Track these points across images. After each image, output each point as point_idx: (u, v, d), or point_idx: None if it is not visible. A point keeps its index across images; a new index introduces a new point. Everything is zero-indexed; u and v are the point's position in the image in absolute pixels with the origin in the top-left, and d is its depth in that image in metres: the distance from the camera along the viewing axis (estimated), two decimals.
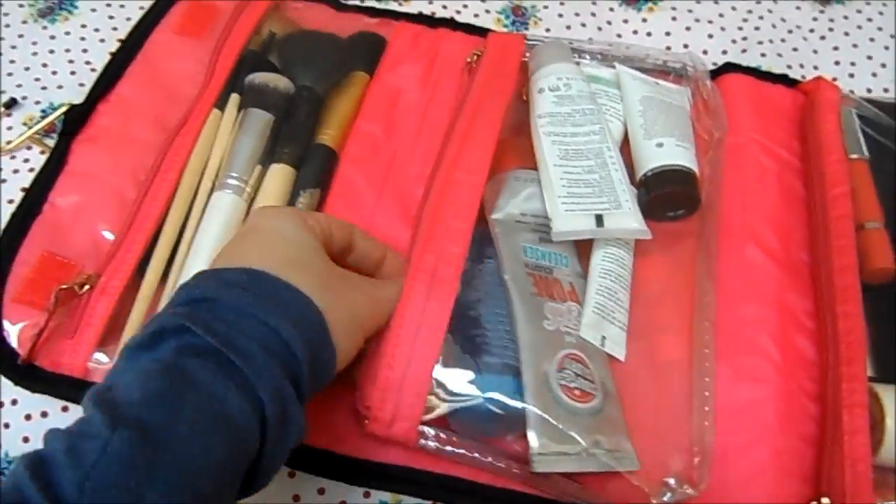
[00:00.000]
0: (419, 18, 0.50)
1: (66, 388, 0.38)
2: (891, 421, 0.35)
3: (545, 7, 0.54)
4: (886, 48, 0.52)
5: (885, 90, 0.50)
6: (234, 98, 0.45)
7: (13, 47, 0.51)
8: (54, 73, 0.50)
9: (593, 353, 0.38)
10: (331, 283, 0.32)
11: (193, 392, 0.26)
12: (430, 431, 0.35)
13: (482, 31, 0.49)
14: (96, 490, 0.23)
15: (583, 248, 0.41)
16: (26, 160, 0.46)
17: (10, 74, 0.50)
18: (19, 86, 0.49)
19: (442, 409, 0.35)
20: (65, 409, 0.39)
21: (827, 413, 0.37)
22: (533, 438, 0.35)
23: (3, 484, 0.24)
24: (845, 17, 0.53)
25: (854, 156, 0.44)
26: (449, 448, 0.35)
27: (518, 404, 0.35)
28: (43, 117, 0.47)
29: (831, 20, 0.53)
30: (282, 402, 0.28)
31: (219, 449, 0.26)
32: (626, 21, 0.54)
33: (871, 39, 0.52)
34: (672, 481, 0.36)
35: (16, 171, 0.46)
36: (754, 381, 0.38)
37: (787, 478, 0.36)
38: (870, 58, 0.52)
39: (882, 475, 0.35)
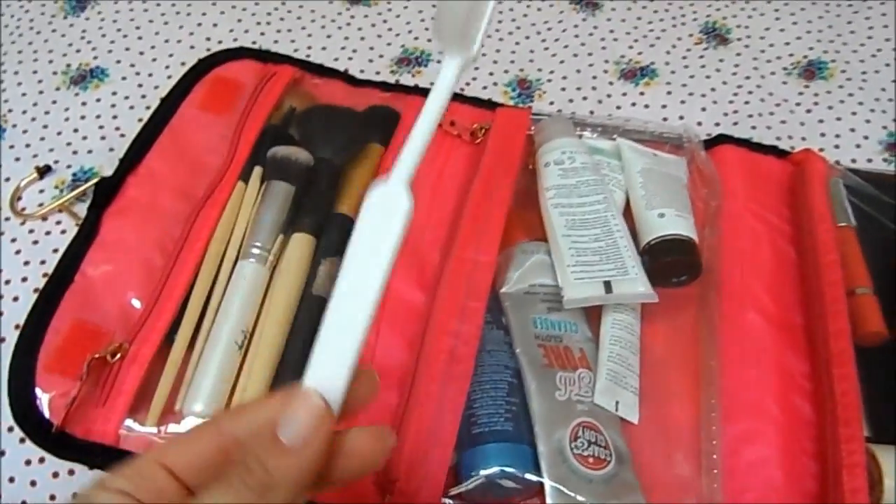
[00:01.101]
0: (430, 92, 0.53)
1: (98, 455, 0.39)
2: (889, 481, 0.37)
3: (549, 80, 0.58)
4: (868, 121, 0.55)
5: (869, 160, 0.53)
6: (258, 171, 0.47)
7: (46, 113, 0.53)
8: (85, 138, 0.52)
9: (606, 418, 0.39)
10: None
11: None
12: (451, 503, 0.37)
13: (490, 104, 0.52)
14: None
15: (592, 313, 0.43)
16: (58, 222, 0.48)
17: (42, 139, 0.52)
18: (51, 150, 0.52)
19: (466, 485, 0.36)
20: (91, 467, 0.40)
21: (827, 471, 0.38)
22: None
23: None
24: (828, 92, 0.57)
25: (842, 224, 0.46)
26: None
27: (534, 477, 0.37)
28: (74, 182, 0.50)
29: (816, 94, 0.57)
30: None
31: None
32: (624, 94, 0.57)
33: (853, 113, 0.56)
34: None
35: (48, 233, 0.48)
36: (759, 442, 0.40)
37: None
38: (853, 130, 0.55)
39: None
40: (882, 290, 0.44)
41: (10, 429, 0.42)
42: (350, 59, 0.58)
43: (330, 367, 0.23)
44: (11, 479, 0.40)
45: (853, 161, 0.53)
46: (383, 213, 0.23)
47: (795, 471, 0.39)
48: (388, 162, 0.49)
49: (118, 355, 0.40)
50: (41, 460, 0.40)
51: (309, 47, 0.59)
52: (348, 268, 0.24)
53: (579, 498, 0.36)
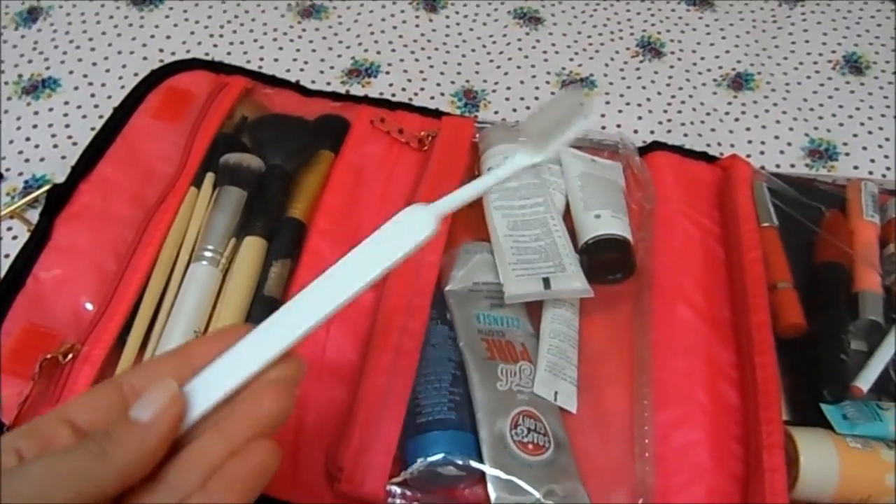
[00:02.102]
0: (379, 102, 0.55)
1: None
2: (804, 459, 0.39)
3: (494, 91, 0.60)
4: (791, 129, 0.59)
5: (792, 166, 0.57)
6: (210, 177, 0.49)
7: None
8: (37, 146, 0.53)
9: (546, 407, 0.42)
10: None
11: None
12: (396, 490, 0.38)
13: (437, 114, 0.54)
14: None
15: (533, 309, 0.45)
16: (9, 228, 0.49)
17: None
18: (3, 158, 0.52)
19: (411, 469, 0.38)
20: None
21: (750, 453, 0.41)
22: (492, 492, 0.38)
23: None
24: (755, 102, 0.61)
25: (765, 224, 0.49)
26: None
27: (476, 463, 0.38)
28: (26, 189, 0.50)
29: (743, 104, 0.60)
30: None
31: None
32: None
33: (778, 122, 0.59)
34: None
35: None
36: (688, 427, 0.42)
37: None
38: (777, 137, 0.59)
39: None
40: (802, 285, 0.47)
41: None
42: (302, 70, 0.60)
43: (243, 359, 0.26)
44: None
45: (777, 166, 0.57)
46: (409, 225, 0.27)
47: (722, 454, 0.42)
48: (338, 167, 0.50)
49: (70, 356, 0.41)
50: None
51: (261, 59, 0.60)
52: (350, 256, 0.26)
53: (519, 482, 0.38)
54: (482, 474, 0.39)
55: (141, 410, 0.25)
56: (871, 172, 0.57)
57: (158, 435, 0.25)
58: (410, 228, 0.27)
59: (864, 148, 0.58)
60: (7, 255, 0.47)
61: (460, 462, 0.38)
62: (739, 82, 0.62)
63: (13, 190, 0.51)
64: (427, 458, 0.38)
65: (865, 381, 0.43)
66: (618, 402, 0.44)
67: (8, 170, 0.51)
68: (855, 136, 0.59)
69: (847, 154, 0.58)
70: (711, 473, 0.41)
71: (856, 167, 0.57)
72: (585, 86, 0.61)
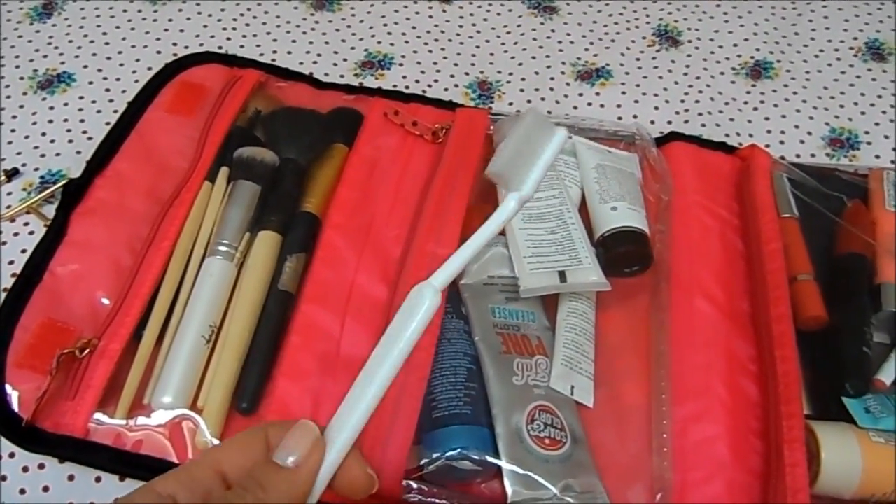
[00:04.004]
0: (393, 94, 0.55)
1: (67, 448, 0.40)
2: (826, 454, 0.39)
3: (508, 82, 0.59)
4: (811, 118, 0.58)
5: (812, 155, 0.56)
6: (224, 171, 0.49)
7: (14, 117, 0.54)
8: (53, 141, 0.53)
9: (562, 402, 0.41)
10: None
11: None
12: (413, 485, 0.38)
13: (451, 105, 0.54)
14: None
15: (549, 302, 0.45)
16: (26, 224, 0.49)
17: (10, 143, 0.53)
18: (19, 153, 0.52)
19: (427, 466, 0.38)
20: (61, 461, 0.41)
21: (770, 449, 0.40)
22: (508, 487, 0.38)
23: None
24: (774, 91, 0.59)
25: (785, 215, 0.48)
26: (431, 500, 0.38)
27: (492, 458, 0.38)
28: (42, 184, 0.50)
29: (762, 93, 0.59)
30: None
31: None
32: (580, 95, 0.59)
33: (798, 111, 0.58)
34: None
35: (16, 234, 0.48)
36: (707, 421, 0.42)
37: None
38: (797, 126, 0.58)
39: None
40: (823, 277, 0.46)
41: None
42: (315, 62, 0.60)
43: (343, 420, 0.29)
44: None
45: (797, 156, 0.56)
46: (412, 305, 0.29)
47: (742, 448, 0.41)
48: (352, 160, 0.50)
49: (87, 350, 0.41)
50: (11, 455, 0.41)
51: (274, 52, 0.60)
52: (382, 341, 0.30)
53: (535, 477, 0.38)
54: (498, 469, 0.38)
55: (286, 454, 0.27)
56: (893, 161, 0.56)
57: (306, 478, 0.27)
58: (420, 307, 0.29)
59: (887, 136, 0.57)
60: (24, 251, 0.47)
61: (476, 457, 0.38)
62: (758, 71, 0.61)
63: (29, 185, 0.51)
64: (443, 453, 0.38)
65: (888, 374, 0.43)
66: (635, 397, 0.43)
67: (24, 165, 0.52)
68: (877, 124, 0.58)
69: (869, 143, 0.57)
70: (731, 468, 0.40)
71: (878, 156, 0.56)
72: (601, 76, 0.60)
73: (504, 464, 0.38)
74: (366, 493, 0.29)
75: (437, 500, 0.38)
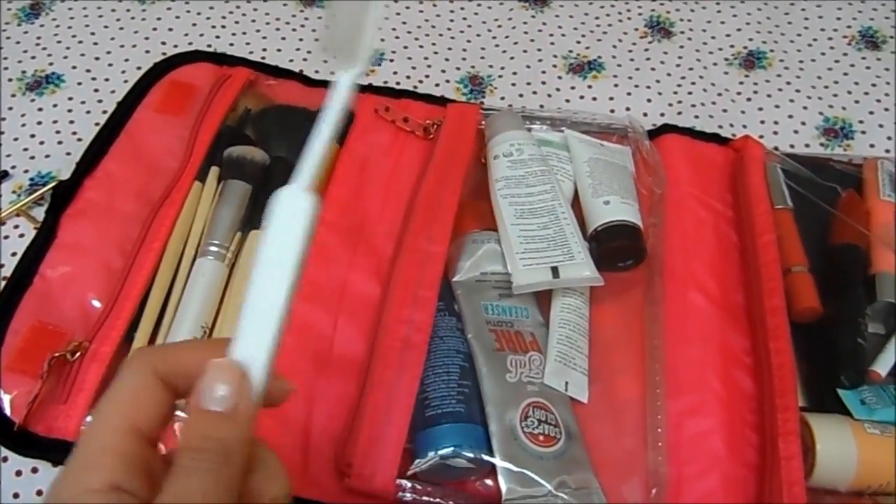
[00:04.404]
0: (383, 90, 0.54)
1: (60, 451, 0.39)
2: (821, 446, 0.39)
3: (500, 76, 0.59)
4: (805, 108, 0.58)
5: (806, 146, 0.56)
6: (214, 170, 0.48)
7: (2, 119, 0.54)
8: (42, 143, 0.53)
9: (556, 398, 0.41)
10: None
11: None
12: (406, 484, 0.38)
13: (442, 101, 0.53)
14: None
15: (543, 298, 0.45)
16: (16, 226, 0.49)
17: None
18: (8, 156, 0.52)
19: (420, 465, 0.38)
20: (54, 464, 0.41)
21: (766, 441, 0.40)
22: (503, 484, 0.38)
23: None
24: (767, 81, 0.59)
25: (779, 206, 0.48)
26: (426, 498, 0.38)
27: (486, 456, 0.38)
28: (31, 187, 0.50)
29: (755, 84, 0.59)
30: None
31: None
32: (573, 88, 0.59)
33: (791, 100, 0.58)
34: None
35: (6, 237, 0.48)
36: (702, 415, 0.42)
37: (735, 502, 0.39)
38: (791, 116, 0.57)
39: (815, 496, 0.38)
40: (818, 268, 0.46)
41: None
42: (305, 59, 0.59)
43: (251, 350, 0.25)
44: None
45: (791, 146, 0.56)
46: (289, 213, 0.26)
47: (737, 442, 0.41)
48: (343, 158, 0.50)
49: (78, 353, 0.41)
50: (4, 459, 0.41)
51: (264, 49, 0.60)
52: (261, 266, 0.25)
53: (530, 474, 0.38)
54: (493, 467, 0.38)
55: (217, 398, 0.23)
56: (888, 150, 0.56)
57: (247, 415, 0.24)
58: (291, 220, 0.26)
59: (881, 125, 0.57)
60: (14, 254, 0.47)
61: (471, 455, 0.38)
62: (751, 61, 0.61)
63: (19, 188, 0.51)
64: (437, 451, 0.38)
65: (884, 365, 0.43)
66: (630, 391, 0.43)
67: (13, 167, 0.51)
68: (871, 113, 0.58)
69: (863, 132, 0.57)
70: (726, 462, 0.40)
71: (872, 145, 0.56)
72: (594, 68, 0.60)
73: (498, 461, 0.38)
74: (281, 403, 0.27)
75: (431, 499, 0.38)
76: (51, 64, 0.58)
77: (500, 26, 0.62)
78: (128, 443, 0.23)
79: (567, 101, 0.58)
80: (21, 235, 0.48)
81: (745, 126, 0.57)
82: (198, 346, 0.29)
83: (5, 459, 0.41)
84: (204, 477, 0.23)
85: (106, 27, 0.61)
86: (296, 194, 0.26)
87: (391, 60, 0.60)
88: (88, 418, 0.40)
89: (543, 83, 0.59)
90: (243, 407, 0.24)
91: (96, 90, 0.56)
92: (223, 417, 0.23)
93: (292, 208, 0.26)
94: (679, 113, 0.57)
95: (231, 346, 0.25)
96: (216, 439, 0.23)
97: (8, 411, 0.40)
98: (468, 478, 0.39)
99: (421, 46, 0.61)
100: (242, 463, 0.24)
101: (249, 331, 0.25)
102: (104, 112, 0.53)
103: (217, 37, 0.61)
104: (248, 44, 0.60)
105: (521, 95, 0.58)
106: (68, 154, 0.52)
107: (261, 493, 0.25)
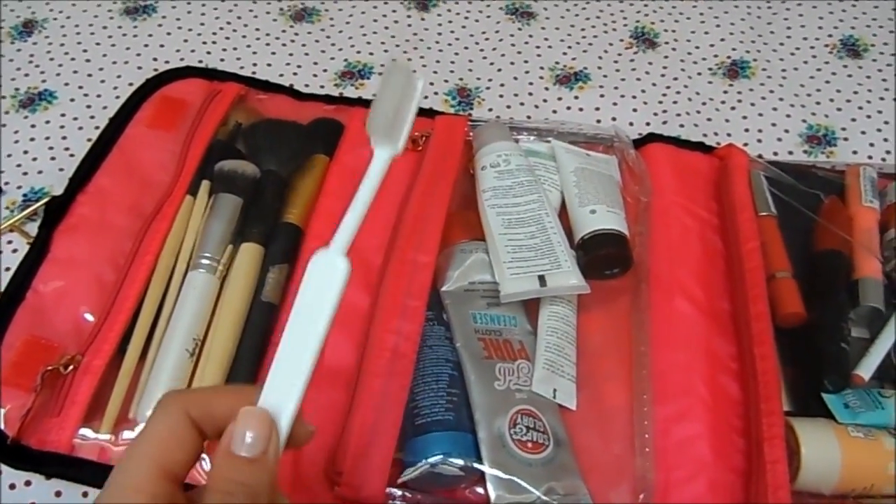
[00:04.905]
0: None
1: (53, 464, 0.40)
2: (806, 450, 0.39)
3: (487, 88, 0.60)
4: (788, 116, 0.58)
5: (790, 153, 0.56)
6: (205, 184, 0.49)
7: None
8: (35, 159, 0.54)
9: (544, 405, 0.42)
10: None
11: None
12: (396, 492, 0.38)
13: (430, 113, 0.54)
14: None
15: (530, 306, 0.45)
16: (9, 242, 0.49)
17: None
18: (2, 172, 0.53)
19: (410, 473, 0.38)
20: (48, 477, 0.42)
21: (751, 446, 0.41)
22: (491, 492, 0.38)
23: None
24: (751, 90, 0.60)
25: (763, 213, 0.49)
26: None
27: (475, 463, 0.38)
28: (24, 202, 0.51)
29: (739, 92, 0.60)
30: None
31: None
32: (560, 99, 0.59)
33: (774, 109, 0.59)
34: None
35: (0, 253, 0.49)
36: (689, 420, 0.42)
37: None
38: (774, 124, 0.58)
39: (800, 500, 0.39)
40: (802, 274, 0.46)
41: None
42: (295, 74, 0.60)
43: (279, 400, 0.27)
44: None
45: (775, 153, 0.56)
46: (325, 274, 0.28)
47: (724, 447, 0.42)
48: (333, 171, 0.50)
49: (71, 367, 0.41)
50: None
51: (254, 64, 0.61)
52: (296, 318, 0.28)
53: (519, 481, 0.38)
54: (482, 474, 0.39)
55: (246, 444, 0.25)
56: (870, 157, 0.57)
57: (274, 460, 0.25)
58: (326, 281, 0.28)
59: (863, 132, 0.58)
60: (7, 269, 0.48)
61: (460, 462, 0.38)
62: (735, 70, 0.62)
63: (12, 203, 0.51)
64: (426, 459, 0.38)
65: (867, 368, 0.43)
66: (617, 398, 0.44)
67: (7, 183, 0.52)
68: (853, 120, 0.58)
69: (846, 139, 0.57)
70: (713, 467, 0.41)
71: (855, 152, 0.57)
72: (580, 79, 0.61)
73: (487, 469, 0.38)
74: (304, 445, 0.28)
75: None
76: (43, 81, 0.59)
77: (487, 39, 0.63)
78: (159, 485, 0.25)
79: (554, 111, 0.59)
80: (14, 251, 0.49)
81: (729, 134, 0.58)
82: (228, 391, 0.30)
83: None
84: None
85: (98, 44, 0.61)
86: (333, 258, 0.28)
87: (380, 74, 0.60)
88: (111, 437, 0.40)
89: (530, 94, 0.59)
90: (271, 453, 0.25)
91: (88, 106, 0.57)
92: (251, 463, 0.25)
93: (329, 271, 0.28)
94: (664, 122, 0.58)
95: (261, 394, 0.26)
96: (244, 484, 0.25)
97: (1, 425, 0.40)
98: (458, 485, 0.40)
99: (409, 59, 0.61)
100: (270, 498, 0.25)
101: (279, 379, 0.27)
102: (96, 128, 0.54)
103: (208, 52, 0.61)
104: (238, 59, 0.61)
105: (508, 107, 0.59)
106: (61, 170, 0.53)
107: None
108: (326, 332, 0.27)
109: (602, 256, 0.46)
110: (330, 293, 0.27)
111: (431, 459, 0.38)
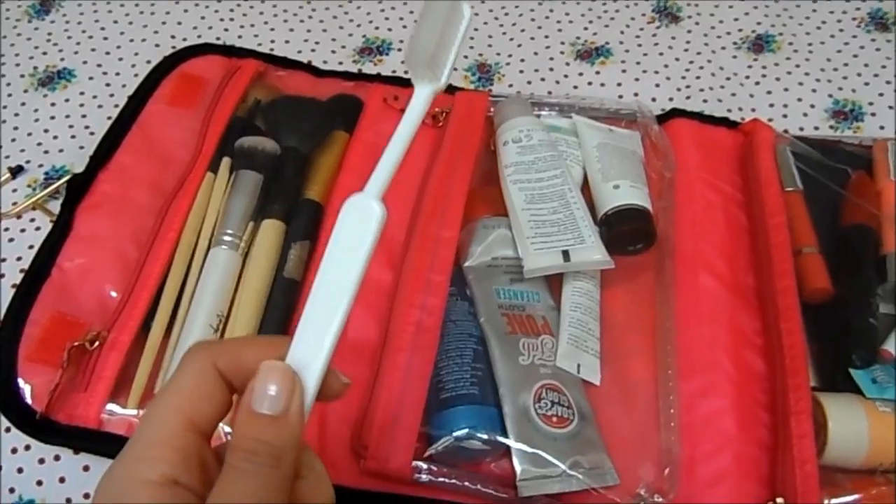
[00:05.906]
0: (392, 79, 0.55)
1: (81, 439, 0.40)
2: (833, 425, 0.39)
3: (508, 64, 0.59)
4: (814, 91, 0.57)
5: (816, 128, 0.55)
6: (226, 161, 0.49)
7: (16, 115, 0.55)
8: (55, 137, 0.54)
9: (569, 380, 0.41)
10: None
11: None
12: (422, 466, 0.38)
13: (450, 89, 0.53)
14: None
15: (554, 282, 0.45)
16: (32, 220, 0.50)
17: (13, 140, 0.53)
18: (22, 150, 0.53)
19: (436, 447, 0.38)
20: (76, 452, 0.42)
21: (777, 421, 0.41)
22: (517, 465, 0.38)
23: None
24: (776, 64, 0.59)
25: (789, 188, 0.48)
26: (441, 479, 0.38)
27: (500, 438, 0.38)
28: (46, 180, 0.51)
29: (764, 67, 0.59)
30: None
31: None
32: (581, 74, 0.59)
33: (800, 83, 0.58)
34: (644, 492, 0.39)
35: (23, 231, 0.49)
36: (714, 395, 0.42)
37: (747, 481, 0.40)
38: (800, 100, 0.57)
39: (828, 474, 0.38)
40: (829, 249, 0.46)
41: None
42: (313, 50, 0.60)
43: (308, 352, 0.25)
44: None
45: (801, 129, 0.55)
46: (360, 218, 0.26)
47: (749, 421, 0.41)
48: (353, 147, 0.50)
49: (97, 343, 0.42)
50: (27, 447, 0.42)
51: (272, 41, 0.60)
52: (328, 264, 0.26)
53: (544, 455, 0.38)
54: (507, 448, 0.39)
55: (268, 401, 0.23)
56: None
57: (297, 419, 0.24)
58: (361, 227, 0.26)
59: (891, 107, 0.57)
60: (31, 247, 0.48)
61: (485, 436, 0.38)
62: (760, 44, 0.60)
63: (34, 182, 0.51)
64: (452, 433, 0.38)
65: (895, 344, 0.43)
66: (642, 373, 0.43)
67: (28, 162, 0.52)
68: (881, 94, 0.57)
69: (873, 114, 0.56)
70: (738, 441, 0.41)
71: (882, 127, 0.56)
72: (601, 54, 0.60)
73: (512, 443, 0.38)
74: (340, 397, 0.27)
75: (446, 480, 0.38)
76: (62, 59, 0.59)
77: (507, 14, 0.62)
78: (186, 438, 0.23)
79: (575, 87, 0.58)
80: (37, 229, 0.49)
81: (753, 110, 0.57)
82: (259, 342, 0.28)
83: (28, 448, 0.42)
84: (254, 480, 0.23)
85: (115, 22, 0.61)
86: (368, 202, 0.26)
87: (399, 50, 0.60)
88: (138, 412, 0.40)
89: (551, 70, 0.59)
90: (294, 410, 0.24)
91: (107, 84, 0.57)
92: (273, 421, 0.23)
93: (364, 216, 0.26)
94: (688, 98, 0.57)
95: (289, 347, 0.25)
96: (266, 442, 0.23)
97: (29, 400, 0.41)
98: (483, 459, 0.40)
99: None
100: (292, 467, 0.24)
101: (309, 332, 0.25)
102: (116, 106, 0.54)
103: (226, 29, 0.61)
104: (256, 36, 0.61)
105: (529, 82, 0.58)
106: (81, 148, 0.53)
107: (308, 498, 0.25)
108: (360, 281, 0.25)
109: (625, 231, 0.46)
110: (365, 239, 0.26)
111: (457, 433, 0.38)
